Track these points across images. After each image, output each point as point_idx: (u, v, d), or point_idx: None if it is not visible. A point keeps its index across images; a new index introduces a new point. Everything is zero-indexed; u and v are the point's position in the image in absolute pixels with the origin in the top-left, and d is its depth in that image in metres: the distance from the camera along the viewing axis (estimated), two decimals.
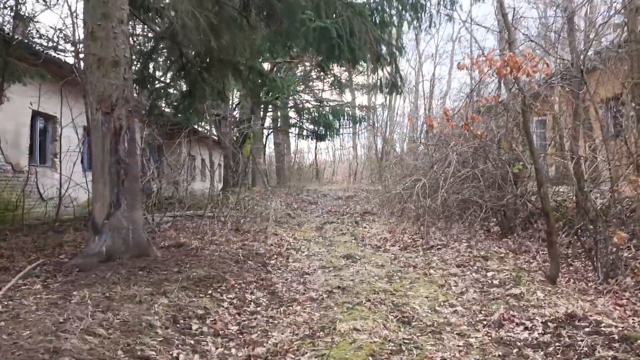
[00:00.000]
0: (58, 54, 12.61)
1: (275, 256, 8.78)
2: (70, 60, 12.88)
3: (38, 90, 11.52)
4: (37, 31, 10.72)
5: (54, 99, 12.58)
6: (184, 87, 11.24)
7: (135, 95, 12.31)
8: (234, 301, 5.85)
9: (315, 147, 39.55)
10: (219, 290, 6.10)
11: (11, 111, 12.01)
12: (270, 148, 36.47)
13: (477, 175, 10.00)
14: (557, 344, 4.31)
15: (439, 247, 9.22)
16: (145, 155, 15.10)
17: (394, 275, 7.24)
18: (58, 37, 11.79)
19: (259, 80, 10.34)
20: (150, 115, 11.58)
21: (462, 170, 10.38)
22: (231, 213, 12.11)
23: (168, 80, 11.03)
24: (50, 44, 11.67)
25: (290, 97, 28.03)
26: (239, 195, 14.53)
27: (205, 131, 22.48)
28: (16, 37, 9.87)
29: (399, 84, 9.27)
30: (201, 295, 5.76)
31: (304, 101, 30.04)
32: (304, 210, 17.07)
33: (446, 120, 9.27)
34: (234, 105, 25.93)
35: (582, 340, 4.28)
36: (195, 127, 20.60)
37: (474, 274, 7.05)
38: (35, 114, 13.14)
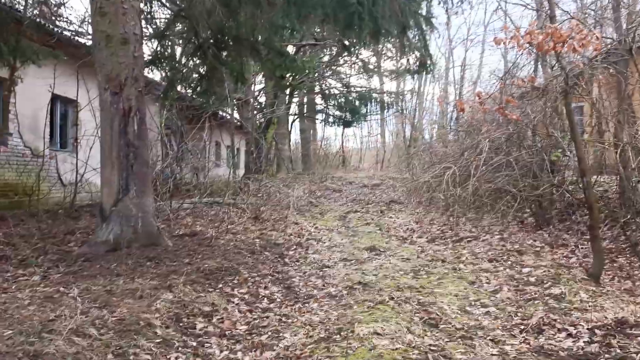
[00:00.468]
0: (79, 36, 12.31)
1: (294, 247, 8.34)
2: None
3: (53, 72, 11.26)
4: (51, 12, 10.32)
5: (72, 83, 12.30)
6: (202, 69, 10.81)
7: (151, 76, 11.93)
8: (246, 297, 5.42)
9: (342, 134, 39.00)
10: (230, 284, 5.69)
11: (29, 94, 11.77)
12: (296, 134, 36.01)
13: (510, 163, 9.39)
14: (607, 355, 3.76)
15: (470, 239, 8.67)
16: (168, 139, 14.80)
17: (420, 270, 6.73)
18: (81, 20, 11.44)
19: (278, 61, 9.82)
20: (165, 97, 11.20)
21: (495, 158, 9.77)
22: (251, 200, 11.70)
23: (184, 61, 10.60)
24: (68, 25, 11.35)
25: (317, 83, 27.45)
26: (260, 182, 14.13)
27: (228, 116, 22.06)
28: (28, 15, 9.50)
29: (428, 62, 8.64)
30: (210, 289, 5.35)
31: (331, 87, 29.43)
32: (328, 198, 16.62)
33: (478, 104, 8.67)
34: (257, 90, 25.47)
35: (636, 353, 3.72)
36: (218, 112, 20.20)
37: (507, 270, 6.49)
38: (55, 98, 12.88)
